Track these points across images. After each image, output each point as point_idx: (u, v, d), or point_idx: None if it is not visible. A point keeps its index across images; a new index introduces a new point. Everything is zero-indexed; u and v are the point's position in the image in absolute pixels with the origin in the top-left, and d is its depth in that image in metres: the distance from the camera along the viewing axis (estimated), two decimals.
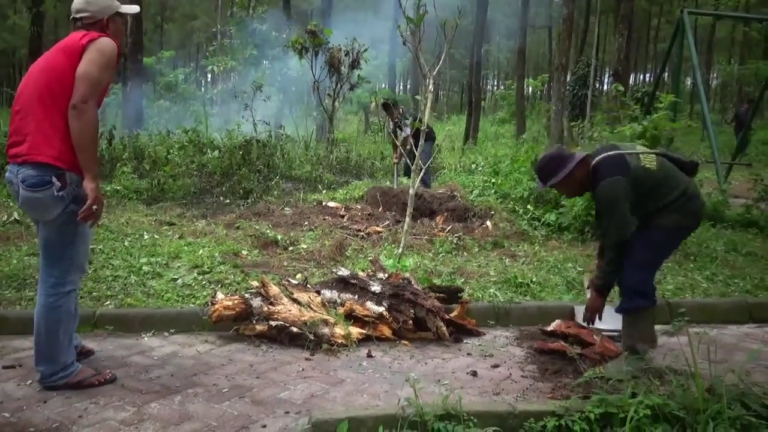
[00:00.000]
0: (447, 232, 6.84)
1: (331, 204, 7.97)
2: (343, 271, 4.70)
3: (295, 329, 4.11)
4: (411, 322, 4.30)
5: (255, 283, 4.52)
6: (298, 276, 5.07)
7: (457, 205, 7.68)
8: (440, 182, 10.13)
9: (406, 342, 4.26)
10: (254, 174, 9.18)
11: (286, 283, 4.57)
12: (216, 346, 4.11)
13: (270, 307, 4.22)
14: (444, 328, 4.30)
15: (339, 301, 4.47)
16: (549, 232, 7.08)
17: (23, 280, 4.80)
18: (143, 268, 5.19)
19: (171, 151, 9.93)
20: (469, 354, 4.13)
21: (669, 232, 3.71)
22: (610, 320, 4.35)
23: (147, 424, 3.00)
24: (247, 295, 4.31)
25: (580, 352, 3.92)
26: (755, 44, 34.75)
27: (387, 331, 4.26)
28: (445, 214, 7.48)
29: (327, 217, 7.30)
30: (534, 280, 5.35)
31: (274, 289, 4.36)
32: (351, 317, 4.31)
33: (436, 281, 5.09)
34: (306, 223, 7.03)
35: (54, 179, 3.13)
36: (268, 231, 6.39)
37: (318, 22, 14.40)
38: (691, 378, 2.90)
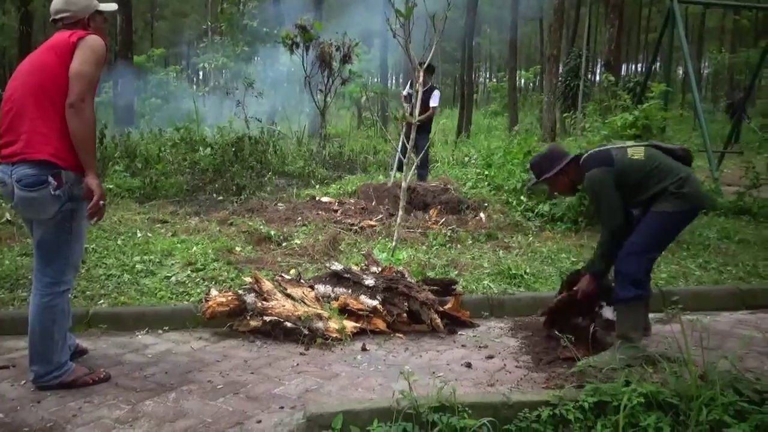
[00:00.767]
0: (440, 224, 6.85)
1: (325, 199, 7.97)
2: (337, 266, 4.69)
3: (289, 324, 4.11)
4: (405, 315, 4.31)
5: (248, 279, 4.51)
6: (292, 271, 5.06)
7: (451, 198, 7.69)
8: (434, 175, 10.13)
9: (400, 335, 4.27)
10: (247, 170, 9.16)
11: (280, 278, 4.57)
12: (210, 343, 4.11)
13: (264, 302, 4.22)
14: (438, 321, 4.30)
15: (333, 295, 4.47)
16: (542, 223, 7.09)
17: (16, 280, 4.78)
18: (136, 266, 5.18)
19: (163, 149, 9.90)
20: (463, 346, 4.14)
21: (664, 218, 3.72)
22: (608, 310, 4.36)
23: (142, 421, 3.00)
24: (240, 291, 4.31)
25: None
26: (745, 32, 34.87)
27: (381, 325, 4.27)
28: (439, 206, 7.48)
29: (320, 212, 7.30)
30: (528, 271, 5.36)
31: (267, 285, 4.36)
32: (345, 311, 4.31)
33: (430, 274, 5.09)
34: (299, 218, 7.02)
35: (50, 178, 3.12)
36: (261, 227, 6.39)
37: (308, 17, 14.34)
38: (685, 365, 2.91)
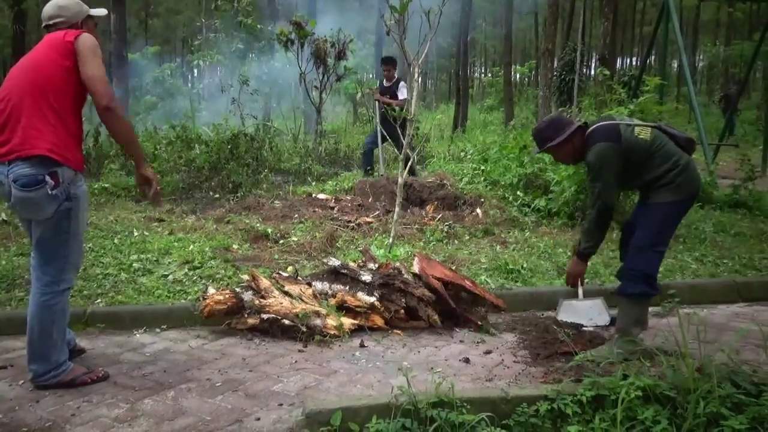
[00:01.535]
0: (437, 220, 6.85)
1: (321, 196, 7.96)
2: (334, 262, 4.69)
3: (287, 321, 4.11)
4: (403, 311, 4.31)
5: (246, 277, 4.51)
6: (289, 268, 5.06)
7: (447, 194, 7.68)
8: (430, 171, 10.13)
9: (398, 331, 4.27)
10: (243, 168, 9.14)
11: (277, 275, 4.57)
12: (208, 341, 4.11)
13: (261, 300, 4.22)
14: (436, 316, 4.31)
15: (330, 292, 4.47)
16: (539, 218, 7.10)
17: (12, 280, 4.77)
18: (133, 265, 5.17)
19: (158, 147, 9.86)
20: (461, 341, 4.15)
21: (665, 209, 3.73)
22: (596, 315, 4.38)
23: (141, 420, 3.00)
24: (238, 289, 4.31)
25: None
26: (740, 25, 34.89)
27: (379, 321, 4.27)
28: (435, 202, 7.48)
29: (317, 209, 7.29)
30: (525, 266, 5.36)
31: (265, 282, 4.35)
32: (343, 308, 4.31)
33: None
34: (296, 215, 7.02)
35: (47, 178, 3.12)
36: (258, 224, 6.38)
37: (303, 13, 14.31)
38: (682, 358, 2.92)
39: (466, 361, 3.77)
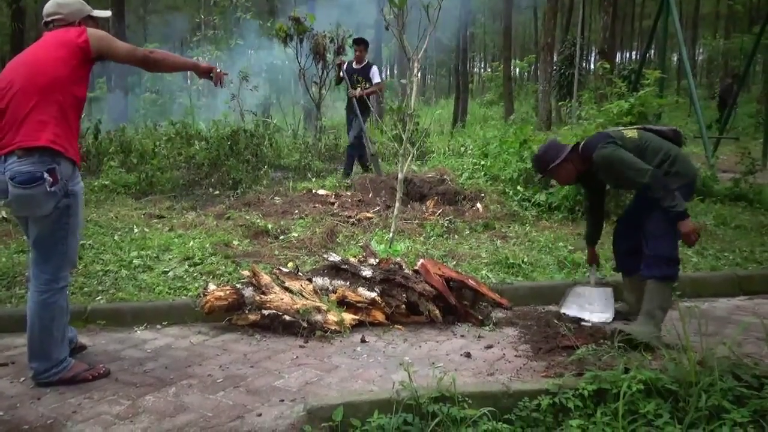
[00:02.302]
0: (438, 215, 6.85)
1: (321, 191, 7.94)
2: (334, 257, 4.69)
3: (288, 317, 4.11)
4: (403, 306, 4.31)
5: (246, 273, 4.51)
6: (290, 264, 5.06)
7: (447, 189, 7.68)
8: (430, 166, 10.11)
9: (399, 326, 4.27)
10: (243, 164, 9.13)
11: (278, 271, 4.56)
12: (209, 337, 4.11)
13: (262, 296, 4.22)
14: (437, 311, 4.30)
15: (331, 287, 4.46)
16: (539, 213, 7.09)
17: (13, 277, 4.77)
18: (134, 261, 5.17)
19: (158, 143, 9.84)
20: (462, 336, 4.15)
21: None
22: (604, 307, 4.39)
23: (142, 417, 3.00)
24: (238, 285, 4.30)
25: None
26: (739, 18, 34.81)
27: (380, 316, 4.27)
28: (436, 197, 7.47)
29: (317, 205, 7.28)
30: (525, 260, 5.36)
31: (265, 278, 4.35)
32: (343, 303, 4.31)
33: None
34: (296, 211, 7.01)
35: (45, 174, 3.11)
36: (258, 221, 6.38)
37: (302, 8, 14.27)
38: (683, 352, 2.92)
39: (468, 355, 3.77)
